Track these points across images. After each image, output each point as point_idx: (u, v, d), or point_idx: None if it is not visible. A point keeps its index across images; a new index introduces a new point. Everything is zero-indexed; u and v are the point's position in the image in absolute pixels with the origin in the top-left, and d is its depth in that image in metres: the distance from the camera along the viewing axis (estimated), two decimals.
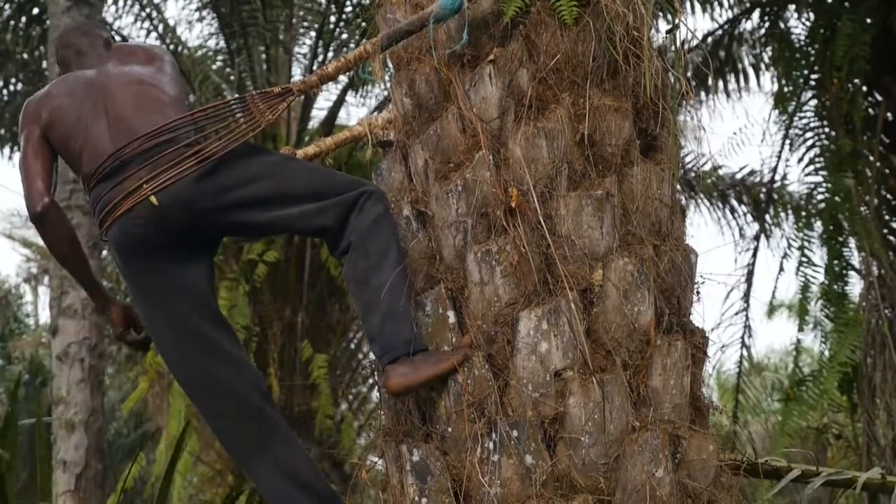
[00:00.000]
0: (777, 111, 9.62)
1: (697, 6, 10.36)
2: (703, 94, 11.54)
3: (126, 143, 3.73)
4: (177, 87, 4.05)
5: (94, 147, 3.82)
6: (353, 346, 13.70)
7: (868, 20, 8.63)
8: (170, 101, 3.92)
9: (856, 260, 8.98)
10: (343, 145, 4.35)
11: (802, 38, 9.62)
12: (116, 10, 12.49)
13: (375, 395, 12.71)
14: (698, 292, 3.97)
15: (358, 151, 11.50)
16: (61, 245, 3.97)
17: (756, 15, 10.61)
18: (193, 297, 3.78)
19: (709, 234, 13.36)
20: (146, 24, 12.52)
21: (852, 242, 8.92)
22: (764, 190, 11.61)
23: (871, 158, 9.03)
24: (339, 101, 12.96)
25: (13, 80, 12.99)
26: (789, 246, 9.19)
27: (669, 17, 4.21)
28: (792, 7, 9.83)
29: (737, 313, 9.91)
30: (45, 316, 23.43)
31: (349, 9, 12.42)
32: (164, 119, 3.78)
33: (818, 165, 9.13)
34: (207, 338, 3.78)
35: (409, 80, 4.04)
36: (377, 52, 3.88)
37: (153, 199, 3.61)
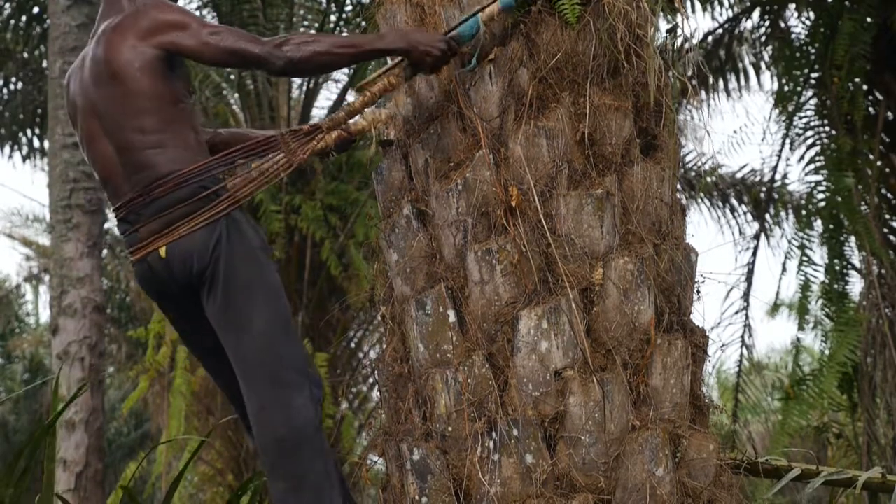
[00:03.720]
0: (777, 110, 9.62)
1: (698, 5, 10.37)
2: (703, 93, 11.53)
3: (139, 191, 3.58)
4: (150, 73, 3.61)
5: (106, 171, 3.69)
6: (353, 344, 13.69)
7: (868, 19, 8.63)
8: (152, 108, 3.60)
9: (856, 259, 8.99)
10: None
11: (803, 37, 9.62)
12: None
13: (375, 394, 12.71)
14: (698, 291, 3.98)
15: (358, 150, 11.50)
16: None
17: (756, 14, 10.61)
18: (209, 329, 3.69)
19: (709, 233, 13.36)
20: None
21: (853, 241, 8.92)
22: (764, 189, 11.61)
23: (872, 157, 9.03)
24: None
25: (13, 80, 12.99)
26: (790, 245, 9.19)
27: (669, 16, 4.21)
28: (792, 6, 9.83)
29: (737, 312, 9.92)
30: (45, 315, 23.42)
31: (349, 8, 12.42)
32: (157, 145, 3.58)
33: (818, 164, 9.13)
34: (226, 359, 3.74)
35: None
36: (401, 83, 3.83)
37: (162, 251, 3.56)
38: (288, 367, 3.53)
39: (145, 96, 3.58)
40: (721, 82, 11.71)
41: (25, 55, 12.71)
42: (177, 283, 3.62)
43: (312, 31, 3.64)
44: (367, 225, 10.88)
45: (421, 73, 3.82)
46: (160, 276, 3.63)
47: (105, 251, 10.19)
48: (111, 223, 13.34)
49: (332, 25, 12.44)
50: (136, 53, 3.59)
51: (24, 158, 13.34)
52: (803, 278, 8.82)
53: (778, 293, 10.52)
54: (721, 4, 10.72)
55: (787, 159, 10.11)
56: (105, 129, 3.66)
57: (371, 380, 13.44)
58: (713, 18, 11.10)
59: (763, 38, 10.90)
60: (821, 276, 8.84)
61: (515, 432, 3.46)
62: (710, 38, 10.92)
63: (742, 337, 9.96)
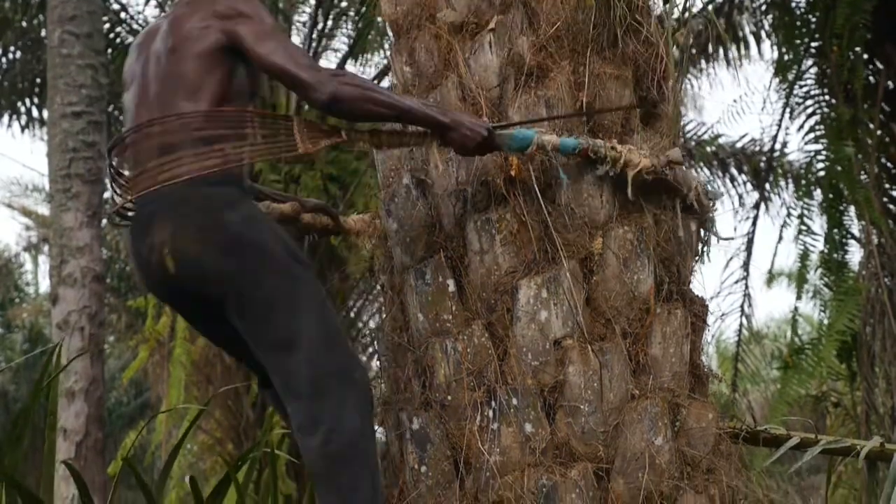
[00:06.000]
0: (777, 79, 9.60)
1: None
2: (703, 62, 11.50)
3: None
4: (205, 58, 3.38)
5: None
6: (352, 314, 13.70)
7: None
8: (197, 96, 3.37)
9: (855, 228, 9.00)
10: None
11: (803, 5, 9.59)
12: None
13: (375, 363, 12.72)
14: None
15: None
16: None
17: None
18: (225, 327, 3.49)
19: None
20: None
21: (852, 211, 8.93)
22: (764, 158, 11.59)
23: (872, 127, 9.02)
24: None
25: (12, 49, 12.94)
26: (789, 214, 9.19)
27: None
28: None
29: (736, 282, 9.93)
30: (45, 284, 23.46)
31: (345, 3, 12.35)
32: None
33: (818, 134, 9.12)
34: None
35: (409, 49, 4.02)
36: (429, 147, 3.65)
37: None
38: (331, 376, 3.27)
39: (196, 79, 3.36)
40: (721, 51, 11.69)
41: (24, 24, 12.64)
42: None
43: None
44: (366, 194, 10.85)
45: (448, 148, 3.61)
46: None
47: (104, 221, 10.15)
48: (110, 193, 13.30)
49: (331, 21, 12.38)
50: (199, 32, 3.37)
51: (23, 128, 13.29)
52: (802, 248, 8.83)
53: (774, 262, 10.52)
54: None
55: (787, 128, 10.11)
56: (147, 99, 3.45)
57: (370, 349, 13.46)
58: None
59: (763, 7, 10.87)
60: (820, 246, 8.86)
61: (515, 401, 3.47)
62: (710, 7, 10.89)
63: (741, 306, 9.98)
